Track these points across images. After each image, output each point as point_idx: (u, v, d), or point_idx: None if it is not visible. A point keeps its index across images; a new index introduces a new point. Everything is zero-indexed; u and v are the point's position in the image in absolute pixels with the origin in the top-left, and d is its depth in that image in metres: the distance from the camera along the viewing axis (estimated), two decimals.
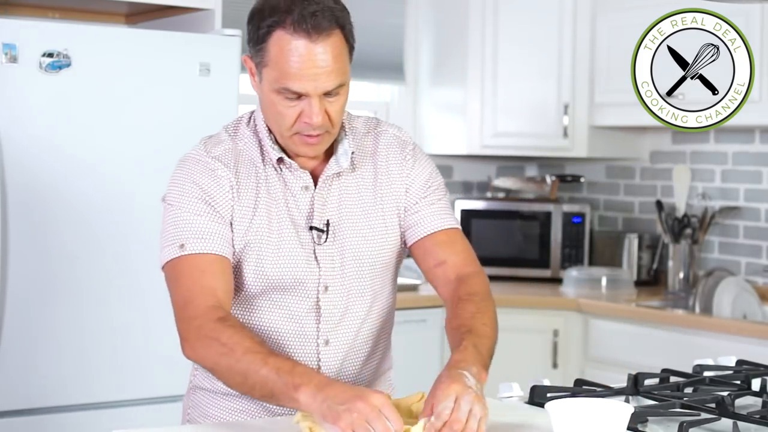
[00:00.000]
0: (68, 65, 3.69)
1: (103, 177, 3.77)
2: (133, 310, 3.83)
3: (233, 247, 2.26)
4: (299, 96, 2.18)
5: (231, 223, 2.25)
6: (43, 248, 3.67)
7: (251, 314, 2.31)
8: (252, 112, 2.38)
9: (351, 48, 2.25)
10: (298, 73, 2.15)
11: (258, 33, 2.19)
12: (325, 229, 2.30)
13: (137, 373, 3.84)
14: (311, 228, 2.30)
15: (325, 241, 2.30)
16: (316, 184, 2.32)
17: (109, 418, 3.75)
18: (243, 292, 2.31)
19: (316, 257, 2.29)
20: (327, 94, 2.20)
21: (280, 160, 2.29)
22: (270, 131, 2.30)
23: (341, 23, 2.19)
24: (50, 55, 3.65)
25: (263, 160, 2.31)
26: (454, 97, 5.36)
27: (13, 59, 3.59)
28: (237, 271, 2.28)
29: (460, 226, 2.45)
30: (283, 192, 2.30)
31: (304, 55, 2.14)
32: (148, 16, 4.48)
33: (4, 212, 3.58)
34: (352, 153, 2.34)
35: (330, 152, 2.34)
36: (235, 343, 2.09)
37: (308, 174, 2.31)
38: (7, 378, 3.61)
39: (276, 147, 2.29)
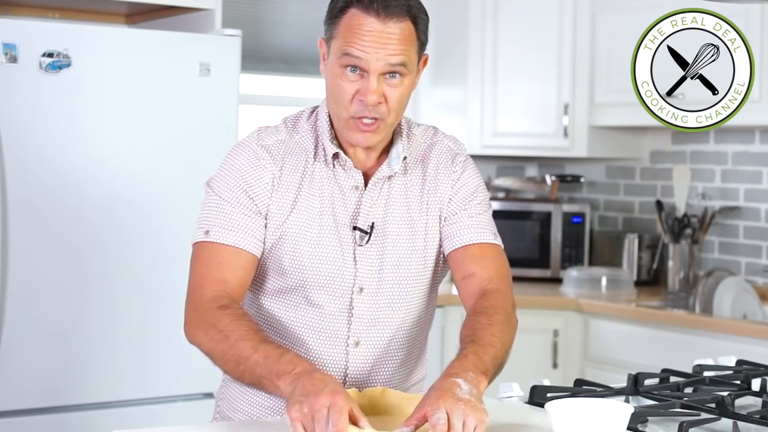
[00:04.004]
0: (68, 65, 3.71)
1: (103, 176, 3.79)
2: (134, 309, 3.85)
3: (263, 241, 2.28)
4: (361, 72, 2.22)
5: (267, 215, 2.28)
6: (43, 248, 3.68)
7: (283, 308, 2.32)
8: (315, 107, 2.41)
9: (421, 46, 2.29)
10: (361, 41, 2.20)
11: (334, 8, 2.27)
12: (369, 231, 2.31)
13: (138, 373, 3.86)
14: (354, 228, 2.31)
15: (367, 243, 2.31)
16: (366, 185, 2.33)
17: (110, 418, 3.77)
18: (275, 285, 2.32)
19: (354, 258, 2.30)
20: (386, 76, 2.22)
21: (335, 156, 2.31)
22: (331, 127, 2.32)
23: (413, 15, 2.25)
24: (50, 55, 3.67)
25: (315, 154, 2.33)
26: (455, 97, 5.37)
27: (14, 59, 3.61)
28: (272, 262, 2.30)
29: (500, 243, 2.41)
30: (330, 189, 2.31)
31: (371, 30, 2.20)
32: (148, 16, 4.51)
33: (5, 212, 3.59)
34: (405, 158, 2.35)
35: (383, 156, 2.36)
36: (231, 330, 2.13)
37: (360, 174, 2.32)
38: (7, 378, 3.63)
39: (334, 143, 2.32)
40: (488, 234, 2.39)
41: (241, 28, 4.12)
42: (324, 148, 2.33)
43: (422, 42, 2.30)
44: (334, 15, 2.26)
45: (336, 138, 2.33)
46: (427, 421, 1.90)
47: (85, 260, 3.76)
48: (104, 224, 3.79)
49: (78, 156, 3.74)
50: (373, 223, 2.32)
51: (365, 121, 2.25)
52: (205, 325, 2.17)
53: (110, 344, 3.80)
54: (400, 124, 2.39)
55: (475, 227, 2.38)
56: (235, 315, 2.18)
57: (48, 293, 3.70)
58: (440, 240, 2.38)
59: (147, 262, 3.87)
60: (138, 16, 4.57)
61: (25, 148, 3.65)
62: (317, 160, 2.33)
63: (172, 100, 3.92)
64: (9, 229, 3.61)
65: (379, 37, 2.20)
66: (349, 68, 2.23)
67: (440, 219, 2.38)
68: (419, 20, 2.27)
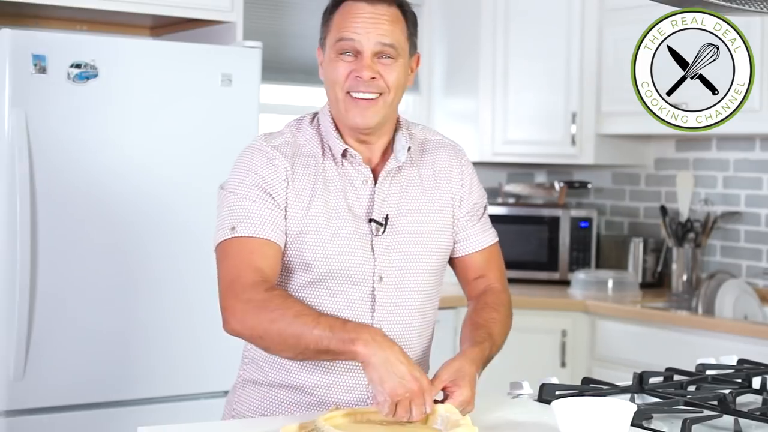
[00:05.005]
0: (95, 76, 3.73)
1: (130, 183, 3.80)
2: (158, 309, 3.87)
3: (286, 234, 2.32)
4: (355, 54, 2.32)
5: (286, 209, 2.32)
6: (71, 251, 3.71)
7: (310, 302, 2.33)
8: (316, 113, 2.47)
9: (410, 37, 2.39)
10: (354, 24, 2.32)
11: (327, 10, 2.39)
12: (384, 222, 2.37)
13: (164, 370, 3.88)
14: (370, 221, 2.37)
15: (383, 233, 2.37)
16: (375, 180, 2.39)
17: (136, 415, 3.78)
18: (300, 280, 2.35)
19: (372, 248, 2.36)
20: (379, 56, 2.33)
21: (344, 153, 2.37)
22: (336, 127, 2.39)
23: (399, 3, 2.38)
24: (78, 66, 3.69)
25: (323, 154, 2.38)
26: (467, 106, 5.38)
27: (43, 70, 3.62)
28: (295, 258, 2.34)
29: (497, 237, 2.59)
30: (342, 185, 2.37)
31: (362, 12, 2.33)
32: (172, 28, 4.51)
33: (35, 217, 3.62)
34: (409, 148, 2.43)
35: (388, 152, 2.43)
36: (286, 308, 2.18)
37: (368, 168, 2.39)
38: (37, 376, 3.66)
39: (342, 141, 2.38)
40: (492, 235, 2.58)
41: (261, 40, 4.13)
42: (331, 147, 2.39)
43: (411, 33, 2.40)
44: (327, 14, 2.39)
45: (342, 137, 2.40)
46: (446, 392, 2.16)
47: (111, 263, 3.78)
48: (130, 229, 3.81)
49: (104, 163, 3.76)
50: (387, 215, 2.38)
51: (364, 96, 2.33)
52: (256, 309, 2.20)
53: (136, 343, 3.83)
54: (399, 121, 2.47)
55: (484, 232, 2.55)
56: (282, 295, 2.24)
57: (75, 295, 3.72)
58: (452, 231, 2.49)
59: (170, 264, 3.88)
60: (162, 28, 4.56)
61: (54, 156, 3.66)
62: (326, 158, 2.38)
63: (195, 109, 3.93)
64: (39, 234, 3.63)
65: (370, 18, 2.32)
66: (344, 53, 2.33)
67: (452, 214, 2.49)
68: (407, 11, 2.39)
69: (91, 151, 3.75)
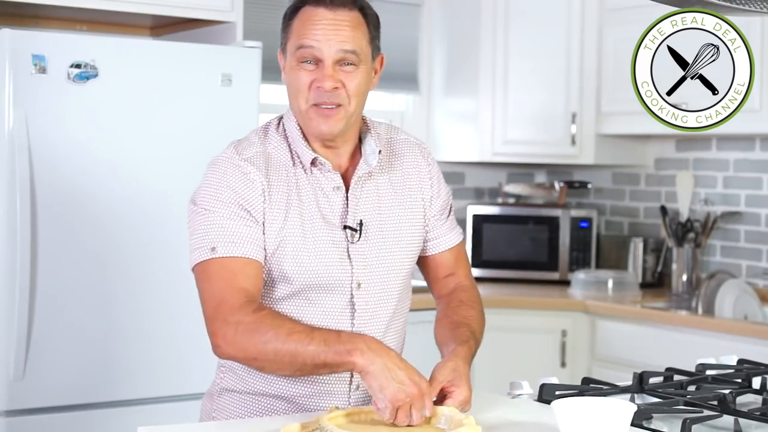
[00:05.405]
0: (95, 76, 3.73)
1: (130, 183, 3.81)
2: (158, 310, 3.87)
3: (265, 249, 2.28)
4: (316, 62, 2.27)
5: (264, 224, 2.28)
6: (70, 251, 3.71)
7: (288, 313, 2.32)
8: (280, 117, 2.43)
9: (372, 40, 2.35)
10: (314, 31, 2.27)
11: (286, 14, 2.35)
12: (358, 228, 2.36)
13: (162, 370, 3.88)
14: (345, 227, 2.35)
15: (358, 240, 2.36)
16: (347, 186, 2.37)
17: (135, 415, 3.78)
18: (280, 292, 2.33)
19: (349, 255, 2.34)
20: (341, 63, 2.29)
21: (313, 161, 2.34)
22: (303, 135, 2.35)
23: (360, 6, 2.33)
24: (78, 66, 3.69)
25: (293, 163, 2.35)
26: (467, 106, 5.37)
27: (43, 70, 3.62)
28: (274, 271, 2.31)
29: (462, 235, 2.62)
30: (314, 193, 2.34)
31: (322, 19, 2.28)
32: (172, 28, 4.51)
33: (34, 216, 3.62)
34: (380, 151, 2.40)
35: (356, 156, 2.41)
36: (278, 327, 2.16)
37: (339, 175, 2.36)
38: (37, 376, 3.66)
39: (310, 148, 2.35)
40: (459, 233, 2.60)
41: (261, 40, 4.12)
42: (299, 156, 2.35)
43: (373, 36, 2.36)
44: (287, 19, 2.34)
45: (309, 144, 2.36)
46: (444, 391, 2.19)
47: (111, 263, 3.78)
48: (128, 229, 3.81)
49: (104, 162, 3.76)
50: (361, 221, 2.37)
51: (326, 107, 2.28)
52: (247, 332, 2.17)
53: (137, 343, 3.83)
54: (365, 122, 2.45)
55: (452, 230, 2.57)
56: (272, 314, 2.22)
57: (75, 295, 3.72)
58: (423, 232, 2.50)
59: (171, 263, 3.87)
60: (162, 28, 4.57)
61: (54, 156, 3.67)
62: (296, 167, 2.35)
63: (195, 109, 3.93)
64: (39, 234, 3.64)
65: (329, 25, 2.27)
66: (305, 62, 2.28)
67: (424, 215, 2.49)
68: (368, 13, 2.35)
69: (91, 151, 3.76)
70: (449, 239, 2.56)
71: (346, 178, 2.39)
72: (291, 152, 2.37)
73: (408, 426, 2.11)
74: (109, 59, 3.77)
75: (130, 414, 3.81)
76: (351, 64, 2.30)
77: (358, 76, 2.31)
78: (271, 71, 4.71)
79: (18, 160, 3.59)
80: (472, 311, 2.47)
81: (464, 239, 2.64)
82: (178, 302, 3.89)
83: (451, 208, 2.59)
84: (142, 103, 3.85)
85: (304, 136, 2.37)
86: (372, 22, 2.36)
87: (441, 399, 2.20)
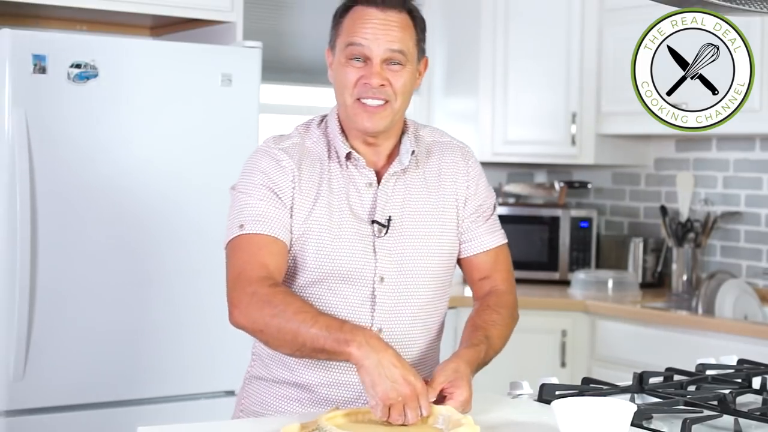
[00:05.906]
0: (95, 76, 3.74)
1: (130, 182, 3.82)
2: (158, 309, 3.88)
3: (291, 233, 2.36)
4: (365, 60, 2.35)
5: (291, 210, 2.36)
6: (70, 252, 3.72)
7: (310, 301, 2.36)
8: (325, 115, 2.51)
9: (418, 42, 2.42)
10: (363, 29, 2.35)
11: (337, 12, 2.42)
12: (386, 224, 2.40)
13: (163, 371, 3.89)
14: (373, 222, 2.40)
15: (385, 235, 2.40)
16: (379, 182, 2.43)
17: (135, 415, 3.80)
18: (302, 280, 2.39)
19: (374, 249, 2.39)
20: (388, 62, 2.36)
21: (348, 156, 2.41)
22: (341, 131, 2.43)
23: (410, 8, 2.40)
24: (78, 66, 3.70)
25: (329, 156, 2.43)
26: (467, 106, 5.39)
27: (43, 70, 3.63)
28: (298, 258, 2.38)
29: (505, 239, 2.61)
30: (346, 187, 2.41)
31: (372, 18, 2.36)
32: (172, 28, 4.52)
33: (34, 216, 3.63)
34: (413, 152, 2.45)
35: (393, 155, 2.46)
36: (287, 304, 2.22)
37: (373, 172, 2.43)
38: (37, 376, 3.67)
39: (347, 144, 2.42)
40: (500, 236, 2.59)
41: (261, 40, 4.14)
42: (336, 150, 2.43)
43: (419, 39, 2.43)
44: (337, 17, 2.42)
45: (347, 140, 2.43)
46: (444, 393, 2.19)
47: (111, 263, 3.79)
48: (129, 228, 3.82)
49: (104, 163, 3.77)
50: (390, 217, 2.41)
51: (372, 103, 2.37)
52: (259, 303, 2.23)
53: (136, 342, 3.84)
54: (406, 124, 2.51)
55: (491, 232, 2.56)
56: (286, 292, 2.28)
57: (75, 295, 3.73)
58: (457, 232, 2.51)
59: (170, 263, 3.89)
60: (162, 28, 4.58)
61: (54, 155, 3.67)
62: (331, 161, 2.43)
63: (195, 109, 3.94)
64: (39, 234, 3.64)
65: (379, 25, 2.35)
66: (353, 59, 2.36)
67: (457, 216, 2.51)
68: (416, 16, 2.42)
69: (91, 150, 3.77)
70: (485, 241, 2.55)
71: (380, 176, 2.45)
72: (329, 146, 2.45)
73: (404, 425, 2.11)
74: (109, 59, 3.78)
75: (130, 414, 3.81)
76: (398, 63, 2.38)
77: (404, 76, 2.38)
78: (271, 71, 4.76)
79: (18, 160, 3.60)
80: (495, 316, 2.48)
81: (507, 242, 2.61)
82: (178, 302, 3.91)
83: (493, 210, 2.60)
84: (142, 103, 3.86)
85: (343, 131, 2.45)
86: (419, 25, 2.44)
87: (441, 399, 2.20)
